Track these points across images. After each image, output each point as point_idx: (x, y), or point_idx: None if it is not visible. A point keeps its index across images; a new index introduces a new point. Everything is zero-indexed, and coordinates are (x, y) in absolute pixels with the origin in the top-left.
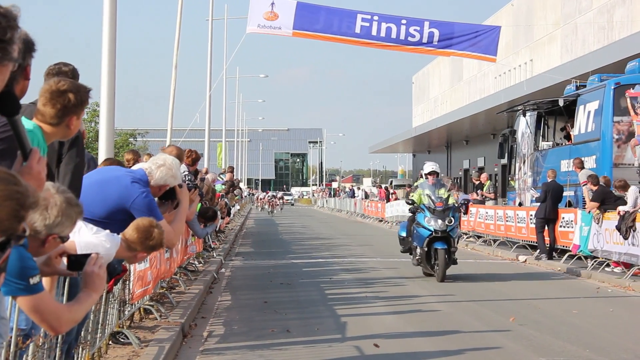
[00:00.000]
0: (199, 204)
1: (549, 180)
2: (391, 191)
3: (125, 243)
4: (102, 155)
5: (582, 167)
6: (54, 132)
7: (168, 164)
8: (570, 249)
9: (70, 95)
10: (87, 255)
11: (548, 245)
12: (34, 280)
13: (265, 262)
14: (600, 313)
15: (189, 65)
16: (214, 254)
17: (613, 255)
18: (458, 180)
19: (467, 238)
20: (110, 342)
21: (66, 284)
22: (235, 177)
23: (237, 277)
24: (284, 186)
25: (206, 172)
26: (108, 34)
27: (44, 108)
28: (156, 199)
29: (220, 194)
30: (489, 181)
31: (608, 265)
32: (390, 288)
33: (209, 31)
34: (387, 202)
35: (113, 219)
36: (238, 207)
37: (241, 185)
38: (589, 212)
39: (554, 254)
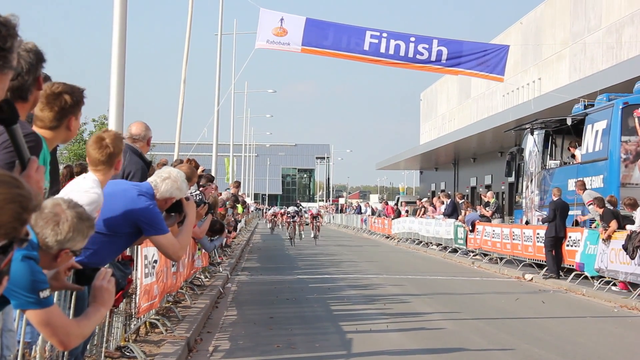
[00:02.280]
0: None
1: (555, 198)
2: (404, 208)
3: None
4: None
5: (585, 189)
6: (54, 136)
7: (173, 177)
8: (574, 267)
9: (66, 97)
10: (95, 270)
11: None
12: (44, 294)
13: (271, 277)
14: (606, 333)
15: (197, 79)
16: (220, 269)
17: (619, 275)
18: (466, 197)
19: (473, 256)
20: (114, 357)
21: (73, 297)
22: (242, 192)
23: (243, 292)
24: (298, 201)
25: (216, 190)
26: (117, 47)
27: (42, 113)
28: (163, 212)
29: (225, 208)
30: (493, 199)
31: (615, 284)
32: (395, 305)
33: (217, 46)
34: (393, 219)
35: (119, 232)
36: (244, 223)
37: (247, 199)
38: (611, 233)
39: (561, 272)
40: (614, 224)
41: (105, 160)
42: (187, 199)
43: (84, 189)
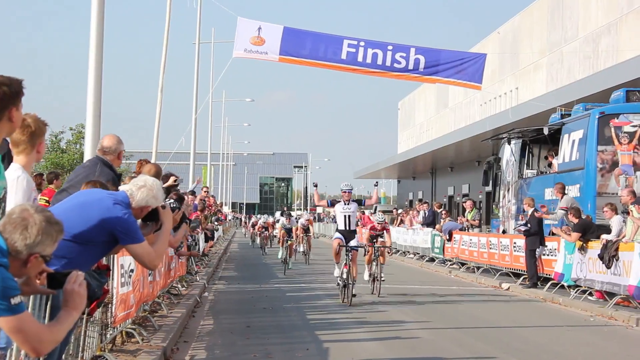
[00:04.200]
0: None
1: (530, 208)
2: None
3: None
4: None
5: (564, 193)
6: None
7: (149, 185)
8: (552, 277)
9: (4, 88)
10: (67, 274)
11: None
12: (15, 301)
13: (248, 286)
14: (582, 342)
15: (175, 88)
16: (197, 278)
17: (596, 284)
18: (444, 206)
19: (450, 265)
20: None
21: (48, 306)
22: (220, 201)
23: (220, 301)
24: (285, 208)
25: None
26: (94, 55)
27: None
28: (139, 221)
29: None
30: (474, 209)
31: (591, 294)
32: (372, 314)
33: (195, 54)
34: None
35: (95, 241)
36: (221, 232)
37: (225, 209)
38: (576, 243)
39: (537, 282)
40: (575, 235)
41: (27, 139)
42: (163, 207)
43: (12, 179)
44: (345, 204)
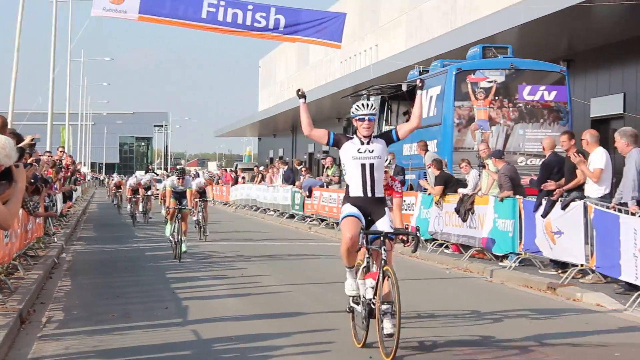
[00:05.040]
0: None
1: (394, 164)
2: (240, 175)
3: None
4: None
5: (427, 150)
6: None
7: (1, 144)
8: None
9: None
10: None
11: None
12: None
13: (107, 246)
14: (438, 294)
15: (32, 46)
16: (55, 239)
17: (452, 237)
18: (304, 163)
19: (310, 221)
20: None
21: None
22: (79, 161)
23: (78, 262)
24: (149, 165)
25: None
26: None
27: None
28: None
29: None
30: (334, 165)
31: (447, 247)
32: (232, 271)
33: (53, 13)
34: (232, 186)
35: None
36: (80, 192)
37: (84, 169)
38: (436, 196)
39: None
40: (438, 188)
41: None
42: (17, 166)
43: None
44: (363, 144)
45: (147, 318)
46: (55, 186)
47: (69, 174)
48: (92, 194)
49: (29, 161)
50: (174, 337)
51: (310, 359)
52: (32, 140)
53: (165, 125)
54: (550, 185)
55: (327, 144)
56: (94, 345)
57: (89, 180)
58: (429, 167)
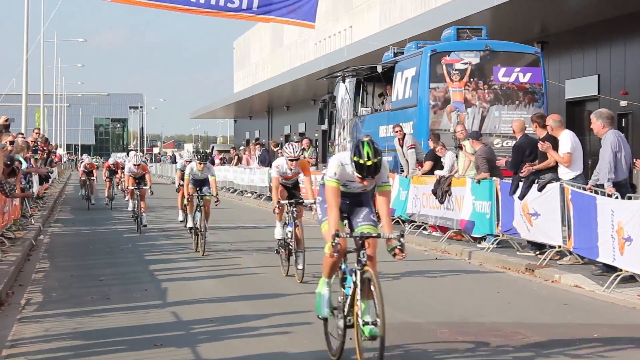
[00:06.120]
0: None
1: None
2: (218, 157)
3: None
4: None
5: (404, 133)
6: None
7: None
8: None
9: None
10: None
11: None
12: None
13: (86, 228)
14: (415, 276)
15: (3, 27)
16: (32, 221)
17: (430, 219)
18: (280, 145)
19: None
20: None
21: None
22: (54, 143)
23: (56, 244)
24: (132, 147)
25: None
26: None
27: None
28: None
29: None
30: (311, 147)
31: (425, 229)
32: (210, 253)
33: None
34: None
35: None
36: (56, 174)
37: (60, 150)
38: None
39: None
40: (428, 164)
41: None
42: None
43: None
44: None
45: (127, 300)
46: (30, 164)
47: (45, 155)
48: (69, 176)
49: (3, 141)
50: (154, 318)
51: (290, 339)
52: (5, 121)
53: (141, 107)
54: (527, 171)
55: None
56: (73, 327)
57: (65, 162)
58: (411, 148)
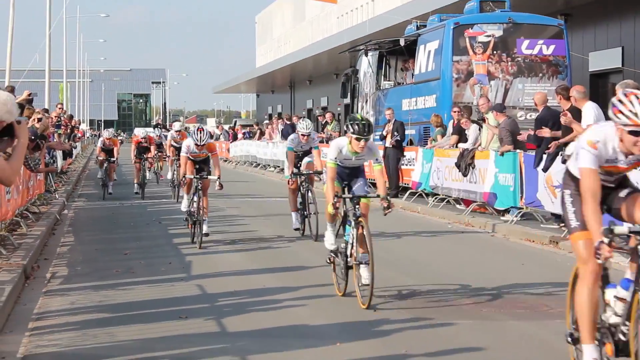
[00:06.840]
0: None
1: (393, 119)
2: (240, 132)
3: None
4: None
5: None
6: None
7: (3, 100)
8: (410, 186)
9: None
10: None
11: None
12: None
13: (109, 203)
14: (439, 248)
15: (26, 4)
16: (57, 196)
17: (453, 192)
18: (303, 119)
19: None
20: None
21: None
22: (77, 118)
23: (80, 219)
24: (159, 121)
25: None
26: None
27: None
28: None
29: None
30: (334, 120)
31: (448, 202)
32: (234, 227)
33: None
34: (231, 142)
35: None
36: (80, 149)
37: (83, 126)
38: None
39: (398, 192)
40: (454, 138)
41: None
42: (19, 122)
43: None
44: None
45: (151, 273)
46: (53, 138)
47: (68, 130)
48: (92, 151)
49: (33, 117)
50: (178, 291)
51: (313, 312)
52: (29, 95)
53: (163, 82)
54: (545, 132)
55: None
56: (99, 300)
57: (88, 137)
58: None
